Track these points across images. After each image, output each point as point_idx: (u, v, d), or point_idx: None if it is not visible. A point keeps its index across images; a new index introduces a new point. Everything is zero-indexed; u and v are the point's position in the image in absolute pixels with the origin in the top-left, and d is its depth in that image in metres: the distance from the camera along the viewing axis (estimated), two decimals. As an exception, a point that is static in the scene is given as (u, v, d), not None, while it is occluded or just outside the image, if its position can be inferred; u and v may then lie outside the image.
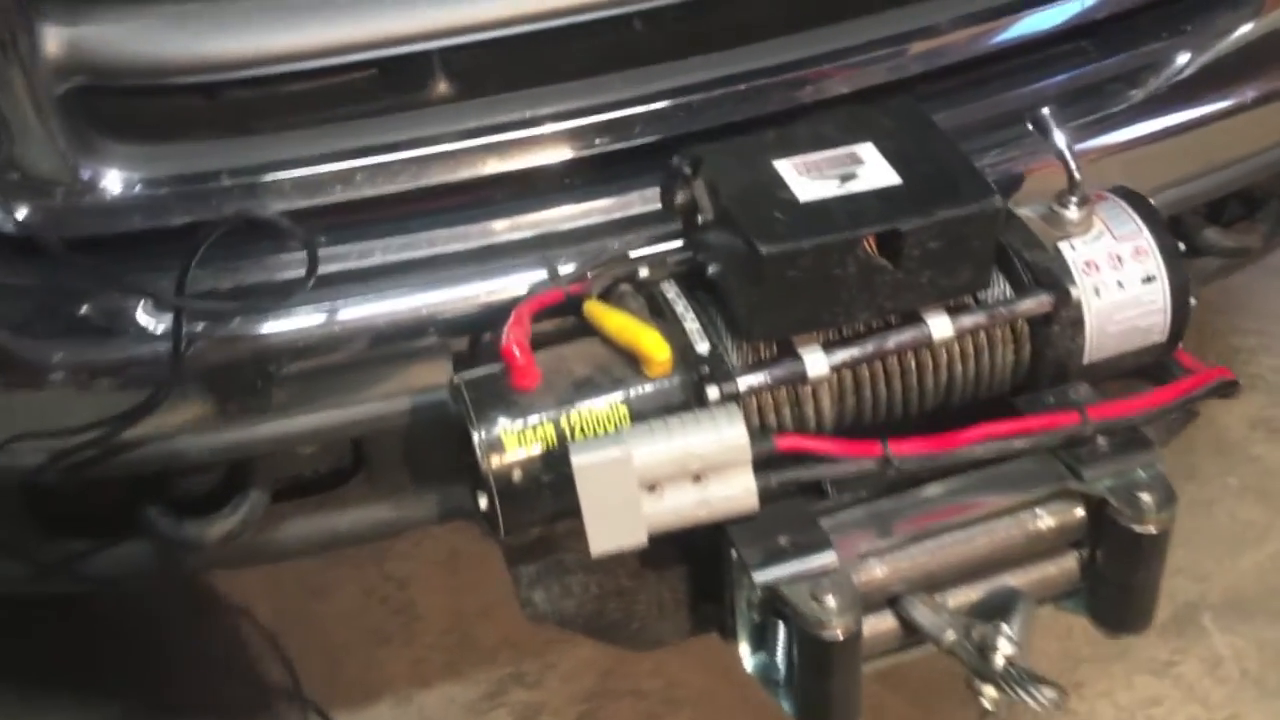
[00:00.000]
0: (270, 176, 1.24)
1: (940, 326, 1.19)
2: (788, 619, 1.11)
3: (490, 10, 1.24)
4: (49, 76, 1.15)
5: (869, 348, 1.18)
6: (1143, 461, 1.18)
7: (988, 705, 1.11)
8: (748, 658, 1.19)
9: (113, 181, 1.20)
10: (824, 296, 1.15)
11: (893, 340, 1.19)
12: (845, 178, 1.17)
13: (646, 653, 1.43)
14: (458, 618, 1.93)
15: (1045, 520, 1.19)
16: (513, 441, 1.14)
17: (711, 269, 1.20)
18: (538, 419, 1.14)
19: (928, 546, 1.17)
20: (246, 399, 1.23)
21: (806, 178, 1.17)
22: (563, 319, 1.25)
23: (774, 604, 1.11)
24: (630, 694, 1.82)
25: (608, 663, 1.83)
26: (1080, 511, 1.19)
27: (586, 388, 1.17)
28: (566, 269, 1.27)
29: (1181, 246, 1.28)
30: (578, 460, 1.09)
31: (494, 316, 1.22)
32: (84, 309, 1.21)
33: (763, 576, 1.11)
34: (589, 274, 1.24)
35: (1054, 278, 1.22)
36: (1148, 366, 1.30)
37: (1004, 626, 1.11)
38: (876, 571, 1.15)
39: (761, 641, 1.17)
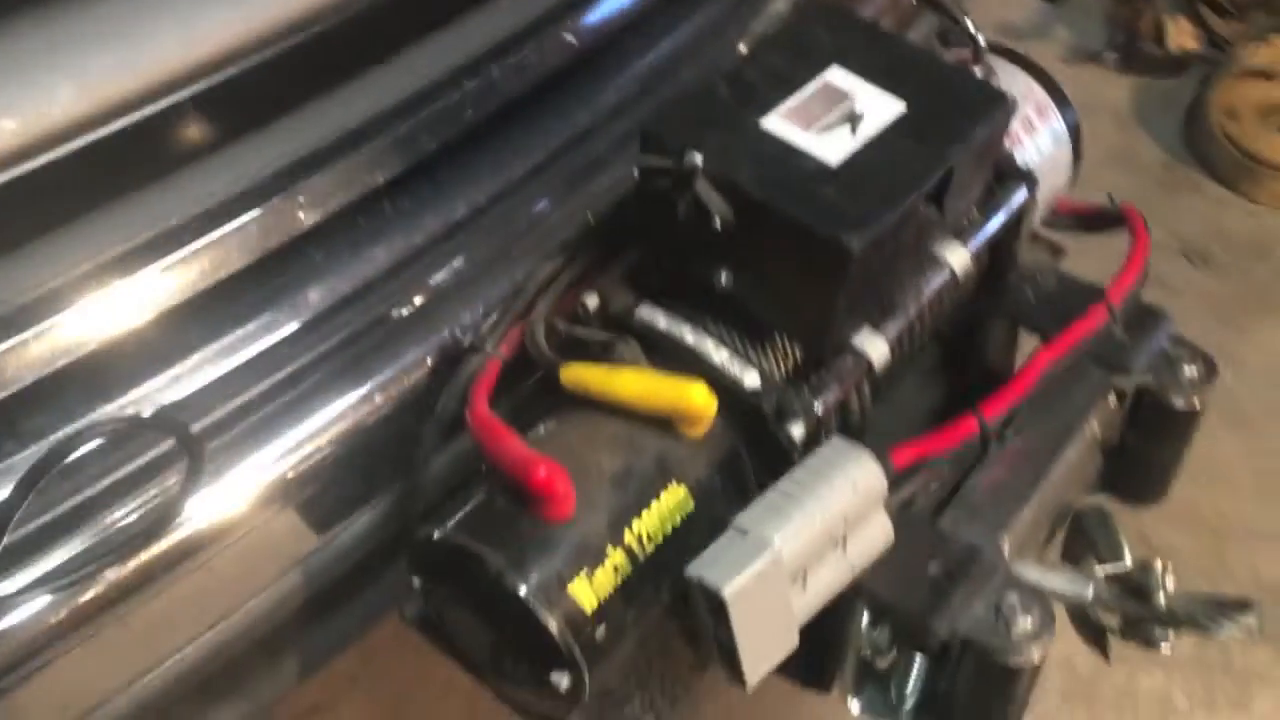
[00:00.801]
0: None
1: (958, 258, 1.02)
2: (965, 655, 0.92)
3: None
4: None
5: (910, 309, 0.99)
6: (1167, 332, 1.10)
7: (1166, 650, 1.00)
8: (854, 700, 1.00)
9: None
10: (890, 272, 0.93)
11: (926, 288, 1.00)
12: (851, 119, 0.93)
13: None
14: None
15: (1094, 429, 1.08)
16: (585, 594, 0.83)
17: (738, 279, 0.92)
18: (603, 549, 0.85)
19: (1033, 504, 1.02)
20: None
21: (812, 133, 0.92)
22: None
23: (951, 648, 0.92)
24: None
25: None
26: (1115, 404, 1.09)
27: (632, 484, 0.88)
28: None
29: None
30: (729, 589, 0.82)
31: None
32: None
33: (941, 624, 0.90)
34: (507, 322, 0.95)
35: (1012, 162, 1.08)
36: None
37: (1153, 563, 1.00)
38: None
39: (872, 675, 0.98)
